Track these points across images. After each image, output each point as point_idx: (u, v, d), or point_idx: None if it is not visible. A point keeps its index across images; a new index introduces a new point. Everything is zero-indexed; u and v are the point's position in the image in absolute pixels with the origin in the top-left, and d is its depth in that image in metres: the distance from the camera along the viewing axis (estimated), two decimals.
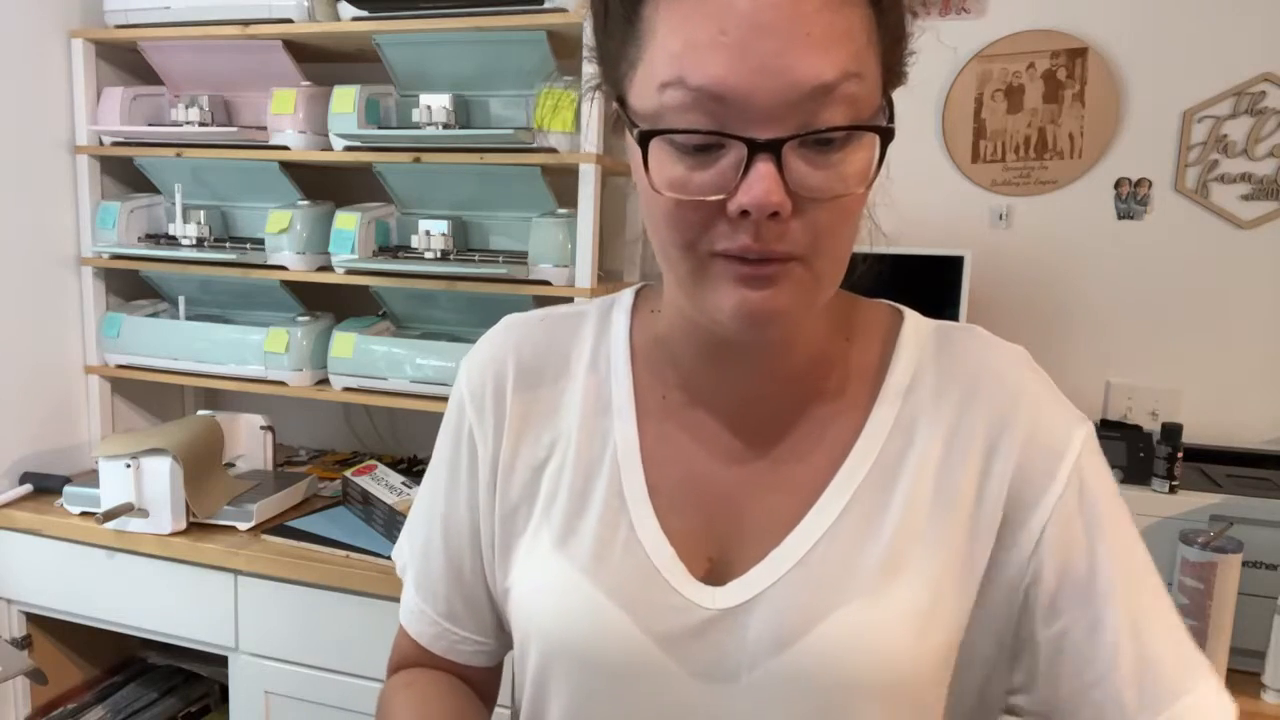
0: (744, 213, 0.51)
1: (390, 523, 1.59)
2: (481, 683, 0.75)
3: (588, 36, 0.60)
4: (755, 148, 0.50)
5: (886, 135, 0.52)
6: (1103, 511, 0.60)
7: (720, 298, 0.54)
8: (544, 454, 0.67)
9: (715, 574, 0.61)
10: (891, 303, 0.69)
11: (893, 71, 0.56)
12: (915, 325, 0.66)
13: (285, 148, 1.75)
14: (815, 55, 0.49)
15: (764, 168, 0.49)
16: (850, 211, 0.54)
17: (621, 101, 0.56)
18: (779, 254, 0.52)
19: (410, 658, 0.75)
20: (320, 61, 1.89)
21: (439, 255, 1.69)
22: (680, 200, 0.52)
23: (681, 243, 0.54)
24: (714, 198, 0.51)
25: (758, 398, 0.64)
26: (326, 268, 1.77)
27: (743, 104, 0.49)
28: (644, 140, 0.53)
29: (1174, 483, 1.36)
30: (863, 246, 0.66)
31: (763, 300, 0.53)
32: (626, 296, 0.71)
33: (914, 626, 0.58)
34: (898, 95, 0.57)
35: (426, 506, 0.73)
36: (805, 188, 0.51)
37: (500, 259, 1.68)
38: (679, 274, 0.56)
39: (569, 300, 1.52)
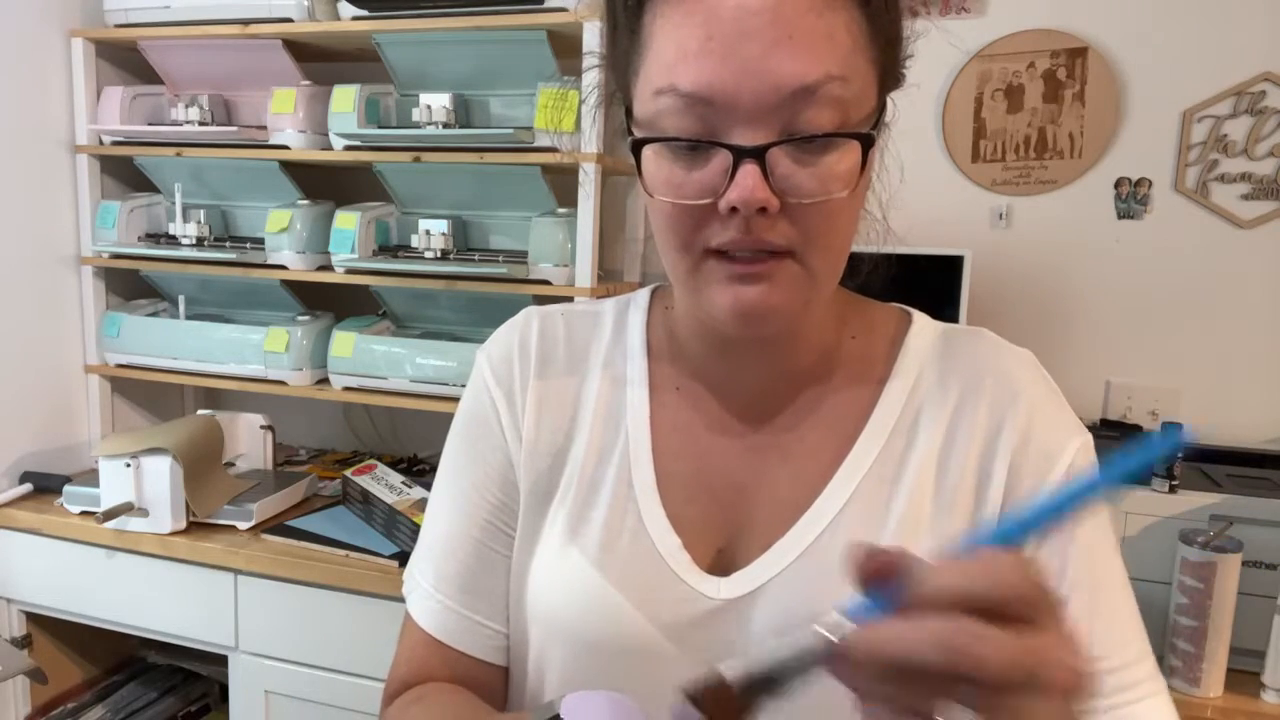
0: (733, 209, 0.52)
1: (390, 522, 1.59)
2: (490, 695, 0.71)
3: (592, 44, 0.62)
4: (740, 154, 0.51)
5: (866, 141, 0.53)
6: (1084, 524, 0.59)
7: (716, 296, 0.56)
8: (561, 441, 0.67)
9: (722, 563, 0.62)
10: (902, 306, 0.69)
11: (889, 74, 0.56)
12: (923, 326, 0.67)
13: (285, 147, 1.76)
14: (797, 57, 0.50)
15: (750, 168, 0.51)
16: (839, 212, 0.54)
17: (628, 110, 0.58)
18: (770, 246, 0.53)
19: (412, 679, 0.71)
20: (320, 61, 1.89)
21: (439, 255, 1.69)
22: (676, 203, 0.54)
23: (679, 243, 0.56)
24: (705, 201, 0.53)
25: (767, 390, 0.65)
26: (326, 267, 1.77)
27: (729, 106, 0.51)
28: (636, 148, 0.55)
29: (1174, 482, 1.36)
30: (869, 246, 0.66)
31: (757, 297, 0.55)
32: (643, 295, 0.73)
33: None
34: (897, 95, 0.57)
35: (444, 498, 0.71)
36: (791, 189, 0.52)
37: (500, 258, 1.68)
38: (679, 274, 0.58)
39: (569, 300, 1.52)
